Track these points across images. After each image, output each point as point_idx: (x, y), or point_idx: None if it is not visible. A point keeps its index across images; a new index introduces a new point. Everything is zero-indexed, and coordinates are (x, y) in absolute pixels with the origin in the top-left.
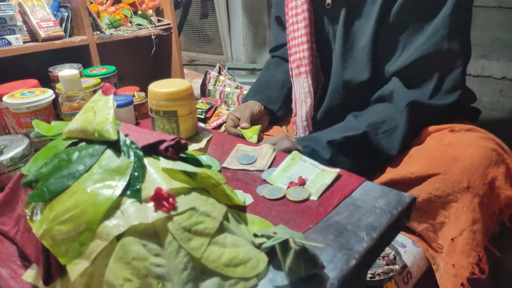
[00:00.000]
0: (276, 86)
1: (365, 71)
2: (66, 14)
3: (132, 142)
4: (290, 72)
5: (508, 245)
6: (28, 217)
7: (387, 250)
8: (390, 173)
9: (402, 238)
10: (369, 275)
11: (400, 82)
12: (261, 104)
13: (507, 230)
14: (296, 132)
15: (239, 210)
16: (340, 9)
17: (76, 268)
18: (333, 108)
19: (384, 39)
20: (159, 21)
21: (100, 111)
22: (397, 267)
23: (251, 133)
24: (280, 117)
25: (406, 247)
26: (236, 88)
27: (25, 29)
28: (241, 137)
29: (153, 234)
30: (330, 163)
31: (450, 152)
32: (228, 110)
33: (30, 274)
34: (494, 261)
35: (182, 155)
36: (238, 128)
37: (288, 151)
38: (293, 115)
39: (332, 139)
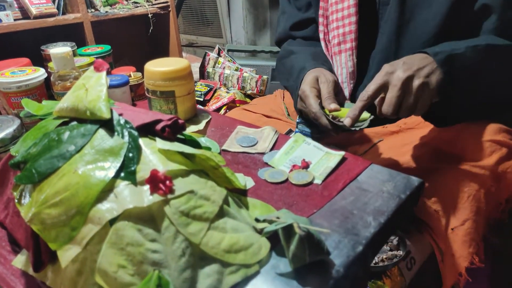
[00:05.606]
0: (323, 56)
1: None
2: None
3: (126, 122)
4: (326, 52)
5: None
6: (16, 200)
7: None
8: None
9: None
10: (373, 261)
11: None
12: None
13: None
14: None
15: (239, 194)
16: None
17: (67, 254)
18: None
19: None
20: None
21: (92, 89)
22: (401, 253)
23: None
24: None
25: (409, 232)
26: (236, 70)
27: (16, 5)
28: (333, 125)
29: (149, 218)
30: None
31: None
32: (227, 92)
33: (20, 260)
34: (496, 248)
35: (179, 136)
36: (326, 110)
37: None
38: None
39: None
